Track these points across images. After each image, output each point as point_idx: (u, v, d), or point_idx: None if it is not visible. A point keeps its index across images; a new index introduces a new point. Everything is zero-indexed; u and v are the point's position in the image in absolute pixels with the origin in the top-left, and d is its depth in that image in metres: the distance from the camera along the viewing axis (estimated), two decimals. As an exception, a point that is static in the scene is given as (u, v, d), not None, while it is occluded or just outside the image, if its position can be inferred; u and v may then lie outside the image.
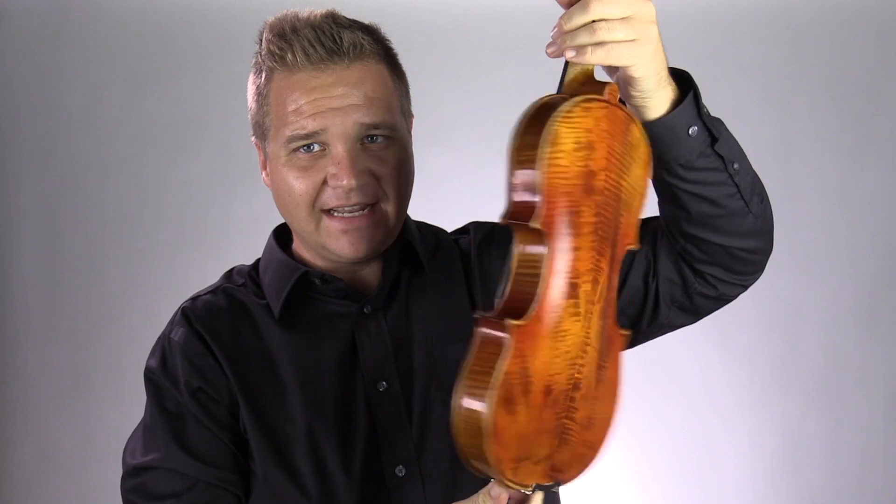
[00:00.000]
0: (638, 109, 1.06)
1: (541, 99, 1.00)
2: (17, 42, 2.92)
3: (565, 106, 0.96)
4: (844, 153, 2.75)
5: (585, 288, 0.99)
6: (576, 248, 0.98)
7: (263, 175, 1.31)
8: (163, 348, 1.29)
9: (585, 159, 0.97)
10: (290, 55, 1.20)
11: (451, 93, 2.76)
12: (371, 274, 1.32)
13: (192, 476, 1.24)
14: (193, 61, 2.87)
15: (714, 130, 1.09)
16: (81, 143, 2.92)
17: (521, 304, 0.98)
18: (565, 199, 0.96)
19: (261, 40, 1.25)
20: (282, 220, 1.36)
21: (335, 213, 1.23)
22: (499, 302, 1.00)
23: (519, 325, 0.96)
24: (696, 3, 2.74)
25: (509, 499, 1.05)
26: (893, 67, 2.75)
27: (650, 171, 1.04)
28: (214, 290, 1.33)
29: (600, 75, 1.05)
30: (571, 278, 0.98)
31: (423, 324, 1.29)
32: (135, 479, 1.26)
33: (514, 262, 1.00)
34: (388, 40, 1.27)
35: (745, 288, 1.24)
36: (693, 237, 1.16)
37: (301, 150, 1.22)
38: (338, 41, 1.20)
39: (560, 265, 0.97)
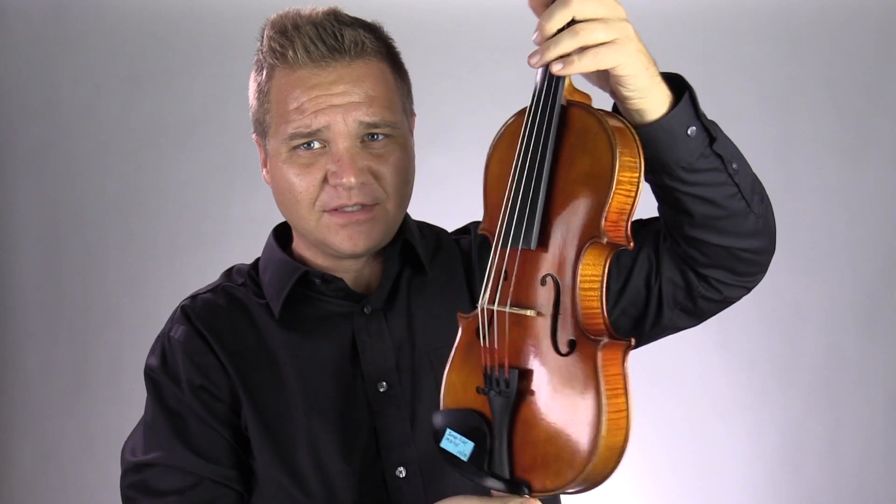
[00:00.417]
0: (637, 113, 1.05)
1: (612, 119, 1.03)
2: (16, 42, 2.92)
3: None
4: (844, 153, 2.75)
5: None
6: None
7: (264, 172, 1.31)
8: (163, 346, 1.29)
9: None
10: (291, 52, 1.20)
11: (451, 93, 2.76)
12: (372, 274, 1.32)
13: (195, 473, 1.24)
14: (192, 61, 2.87)
15: (711, 131, 1.09)
16: (80, 143, 2.92)
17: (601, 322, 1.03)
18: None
19: (262, 37, 1.25)
20: (280, 220, 1.36)
21: (335, 211, 1.23)
22: (603, 323, 1.03)
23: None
24: (696, 3, 2.73)
25: None
26: (893, 67, 2.74)
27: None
28: (214, 289, 1.33)
29: (587, 87, 1.07)
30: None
31: (423, 324, 1.29)
32: (136, 476, 1.26)
33: (603, 281, 1.03)
34: (390, 38, 1.27)
35: (749, 290, 1.24)
36: (696, 240, 1.16)
37: (302, 147, 1.22)
38: (339, 39, 1.20)
39: None
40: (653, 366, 2.61)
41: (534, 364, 1.03)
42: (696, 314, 1.26)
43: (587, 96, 1.06)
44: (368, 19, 1.27)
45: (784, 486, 2.80)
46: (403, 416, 1.25)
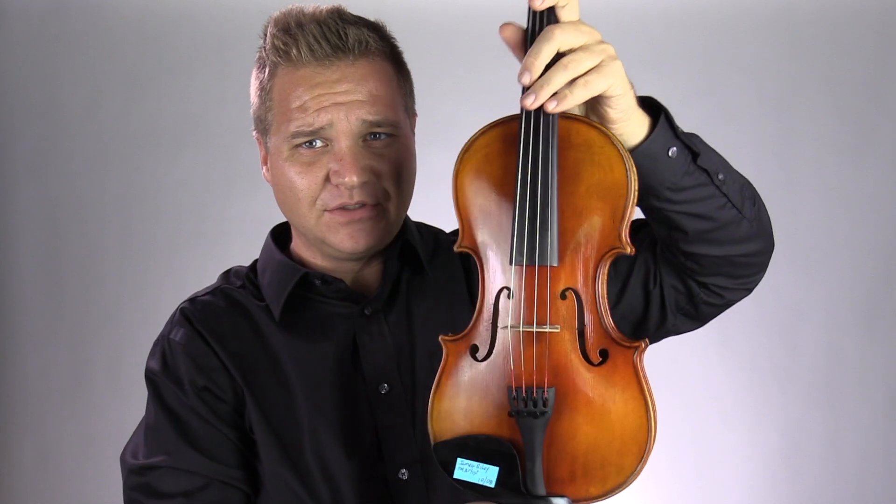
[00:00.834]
0: (621, 137, 1.05)
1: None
2: (16, 42, 2.91)
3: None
4: (844, 153, 2.75)
5: None
6: None
7: (264, 170, 1.30)
8: (163, 349, 1.28)
9: None
10: (294, 50, 1.19)
11: (451, 93, 2.76)
12: (371, 275, 1.31)
13: (203, 475, 1.23)
14: (191, 62, 2.87)
15: (693, 146, 1.09)
16: (80, 143, 2.92)
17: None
18: None
19: (265, 35, 1.24)
20: (279, 221, 1.35)
21: (336, 210, 1.22)
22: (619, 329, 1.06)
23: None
24: (696, 3, 2.73)
25: None
26: (893, 67, 2.75)
27: None
28: (213, 291, 1.33)
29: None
30: None
31: (424, 325, 1.28)
32: (139, 479, 1.25)
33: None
34: (393, 38, 1.27)
35: (750, 291, 1.24)
36: (693, 254, 1.16)
37: (303, 145, 1.21)
38: (343, 37, 1.19)
39: None
40: (653, 366, 2.61)
41: (566, 379, 1.04)
42: (698, 318, 1.26)
43: None
44: (371, 18, 1.26)
45: (784, 486, 2.80)
46: (405, 418, 1.25)
